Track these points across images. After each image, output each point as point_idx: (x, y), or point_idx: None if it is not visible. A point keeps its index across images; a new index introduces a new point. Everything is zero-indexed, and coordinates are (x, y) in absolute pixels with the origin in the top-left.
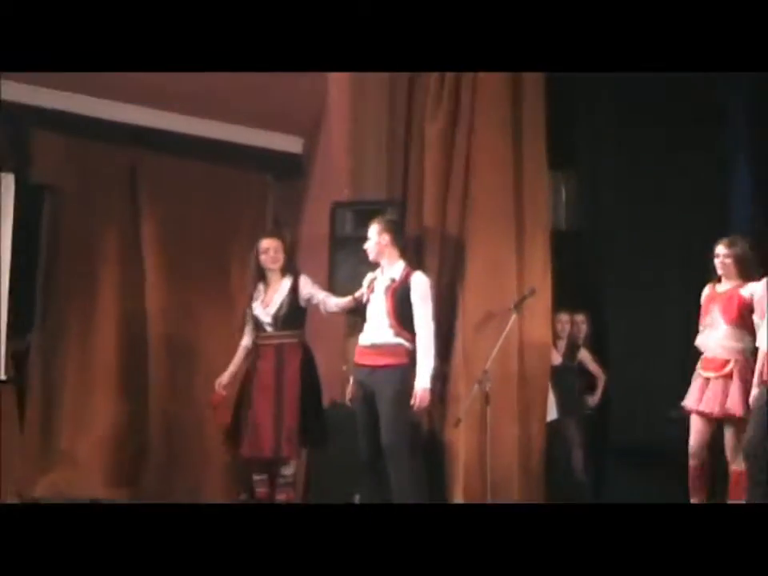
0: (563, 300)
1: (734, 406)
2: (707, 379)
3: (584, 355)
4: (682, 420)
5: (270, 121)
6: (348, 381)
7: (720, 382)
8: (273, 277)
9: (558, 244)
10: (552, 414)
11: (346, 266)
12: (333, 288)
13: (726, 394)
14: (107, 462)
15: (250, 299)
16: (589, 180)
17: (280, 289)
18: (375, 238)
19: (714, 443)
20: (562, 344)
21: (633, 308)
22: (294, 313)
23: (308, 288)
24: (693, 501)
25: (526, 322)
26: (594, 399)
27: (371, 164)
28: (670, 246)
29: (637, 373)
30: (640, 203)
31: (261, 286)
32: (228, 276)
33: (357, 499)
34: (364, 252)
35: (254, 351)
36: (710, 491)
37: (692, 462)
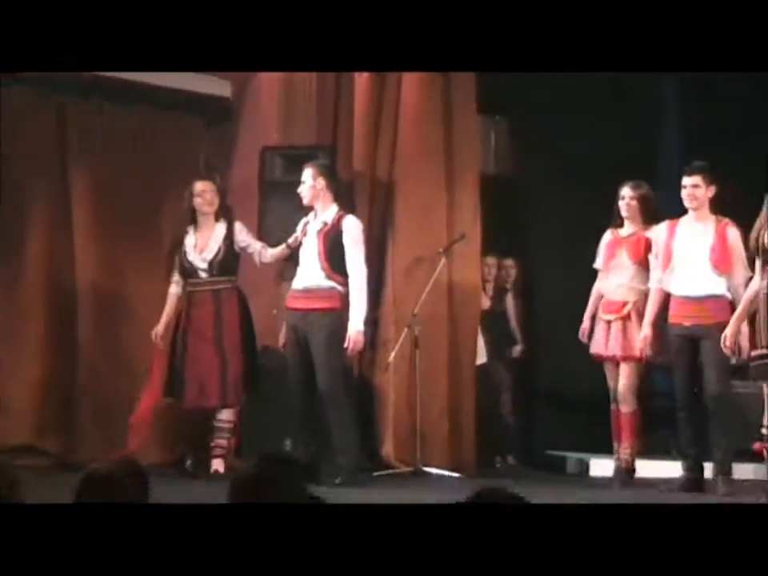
0: (492, 244)
1: (631, 345)
2: (608, 322)
3: (508, 300)
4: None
5: None
6: (280, 326)
7: (620, 323)
8: (206, 221)
9: (488, 189)
10: (481, 357)
11: (275, 210)
12: (263, 232)
13: (625, 336)
14: (38, 410)
15: (180, 244)
16: (518, 124)
17: (214, 234)
18: (310, 182)
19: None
20: (490, 288)
21: (560, 253)
22: (230, 259)
23: (243, 235)
24: (615, 445)
25: (456, 266)
26: (515, 351)
27: (301, 108)
28: (599, 192)
29: (564, 317)
30: (570, 148)
31: (191, 231)
32: (159, 224)
33: (288, 445)
34: (294, 196)
35: (186, 299)
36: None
37: (612, 407)
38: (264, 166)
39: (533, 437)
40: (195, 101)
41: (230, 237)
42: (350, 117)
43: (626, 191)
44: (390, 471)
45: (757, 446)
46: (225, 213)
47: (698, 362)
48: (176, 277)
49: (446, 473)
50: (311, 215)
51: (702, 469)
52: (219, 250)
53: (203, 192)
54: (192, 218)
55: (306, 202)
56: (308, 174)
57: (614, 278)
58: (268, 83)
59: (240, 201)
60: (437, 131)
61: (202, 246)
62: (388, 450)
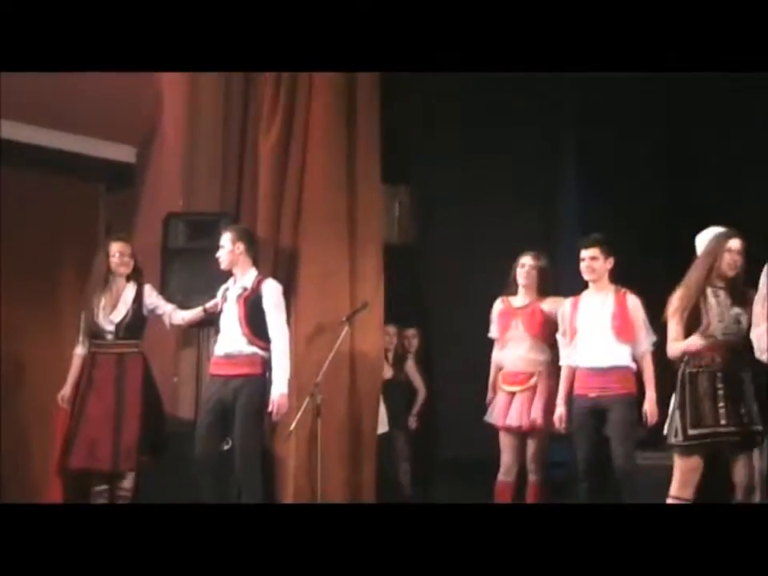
0: (394, 313)
1: (539, 417)
2: (512, 394)
3: (410, 367)
4: None
5: (103, 129)
6: (178, 392)
7: (526, 395)
8: (117, 283)
9: (390, 258)
10: (383, 426)
11: (178, 277)
12: (166, 299)
13: (531, 407)
14: None
15: (89, 304)
16: (421, 194)
17: (124, 296)
18: (229, 247)
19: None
20: (392, 357)
21: (461, 322)
22: (137, 322)
23: (153, 298)
24: None
25: (358, 335)
26: (412, 412)
27: (205, 175)
28: (500, 260)
29: (464, 386)
30: (472, 218)
31: (99, 291)
32: (57, 288)
33: None
34: (197, 263)
35: (90, 360)
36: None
37: (503, 479)
38: (167, 232)
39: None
40: (97, 166)
41: (138, 299)
42: (254, 184)
43: (526, 259)
44: None
45: None
46: (136, 275)
47: (602, 433)
48: (81, 337)
49: None
50: (231, 281)
51: None
52: (128, 312)
53: (121, 253)
54: (105, 280)
55: (223, 266)
56: (227, 238)
57: (511, 350)
58: (171, 150)
59: (142, 267)
60: (341, 199)
61: (111, 307)
62: None
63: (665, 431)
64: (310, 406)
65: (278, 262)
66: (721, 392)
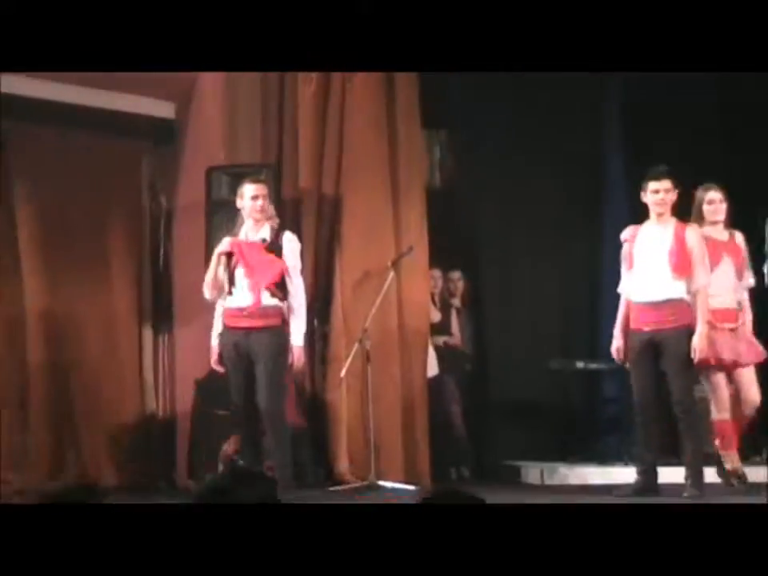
0: (439, 257)
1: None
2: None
3: (457, 314)
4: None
5: (141, 86)
6: None
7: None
8: None
9: (433, 202)
10: (433, 369)
11: (223, 229)
12: (211, 251)
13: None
14: None
15: None
16: (462, 138)
17: None
18: (267, 198)
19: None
20: (438, 300)
21: (507, 264)
22: None
23: None
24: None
25: (404, 280)
26: (465, 363)
27: (246, 127)
28: (544, 204)
29: (513, 328)
30: (514, 162)
31: None
32: (105, 246)
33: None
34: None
35: None
36: None
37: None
38: (210, 185)
39: (486, 447)
40: (138, 123)
41: None
42: (295, 134)
43: (714, 194)
44: (345, 486)
45: None
46: None
47: (659, 367)
48: None
49: (400, 485)
50: (243, 233)
51: (655, 473)
52: None
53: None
54: None
55: (265, 216)
56: (264, 189)
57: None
58: (211, 103)
59: (187, 221)
60: (382, 146)
61: None
62: (343, 465)
63: None
64: (359, 353)
65: (321, 209)
66: None
